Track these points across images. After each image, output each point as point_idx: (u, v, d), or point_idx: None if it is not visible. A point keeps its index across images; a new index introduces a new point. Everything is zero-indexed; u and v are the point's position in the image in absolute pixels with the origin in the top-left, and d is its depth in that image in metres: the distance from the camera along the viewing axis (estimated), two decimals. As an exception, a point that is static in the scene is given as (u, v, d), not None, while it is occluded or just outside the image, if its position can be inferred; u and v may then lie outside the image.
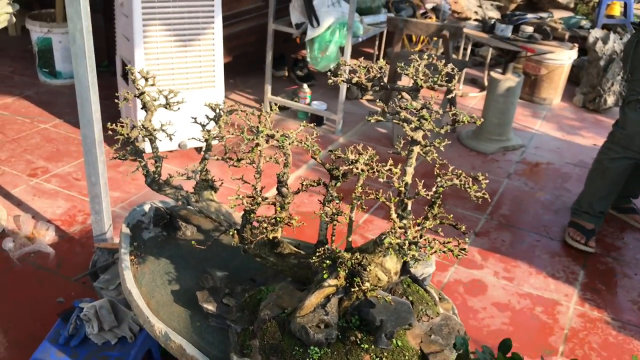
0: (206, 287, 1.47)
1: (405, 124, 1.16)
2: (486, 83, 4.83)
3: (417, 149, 1.19)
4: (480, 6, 4.83)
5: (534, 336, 2.47)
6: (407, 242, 1.07)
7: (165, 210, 1.76)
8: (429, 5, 4.81)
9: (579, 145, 4.31)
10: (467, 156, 3.99)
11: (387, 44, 4.82)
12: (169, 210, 1.77)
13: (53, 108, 4.14)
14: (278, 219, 1.21)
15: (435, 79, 1.17)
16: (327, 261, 1.14)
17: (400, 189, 1.14)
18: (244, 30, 4.18)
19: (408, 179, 1.18)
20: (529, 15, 4.07)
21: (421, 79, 1.17)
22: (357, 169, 1.11)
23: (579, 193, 3.32)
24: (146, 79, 1.51)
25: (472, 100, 4.90)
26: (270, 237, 1.22)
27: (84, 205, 3.08)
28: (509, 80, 3.96)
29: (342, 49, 3.90)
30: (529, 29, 3.85)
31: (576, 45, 4.50)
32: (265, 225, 1.23)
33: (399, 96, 1.28)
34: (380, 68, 1.27)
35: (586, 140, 4.41)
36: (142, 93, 1.50)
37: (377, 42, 4.75)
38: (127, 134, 1.47)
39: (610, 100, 4.80)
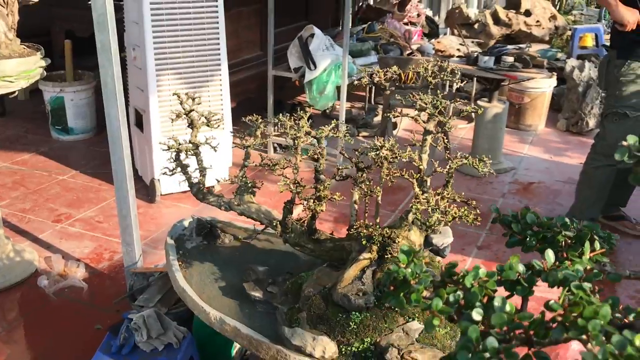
0: (251, 279, 1.67)
1: (418, 117, 1.40)
2: (473, 115, 5.13)
3: (429, 138, 1.42)
4: (461, 44, 5.18)
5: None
6: (430, 208, 1.28)
7: (205, 222, 1.97)
8: (414, 46, 5.15)
9: (567, 165, 4.57)
10: (462, 180, 4.23)
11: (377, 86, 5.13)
12: (209, 222, 1.98)
13: (68, 161, 4.36)
14: (322, 195, 1.42)
15: (442, 76, 1.41)
16: (363, 234, 1.34)
17: (420, 166, 1.36)
18: (246, 78, 4.47)
19: (424, 163, 1.40)
20: (509, 47, 4.41)
21: (430, 76, 1.42)
22: (383, 153, 1.34)
23: (570, 206, 3.59)
24: (193, 100, 1.74)
25: (461, 131, 5.19)
26: (318, 209, 1.43)
27: (109, 244, 3.27)
28: (496, 107, 4.25)
29: (338, 89, 4.19)
30: (510, 59, 4.16)
31: (554, 73, 4.83)
32: (311, 202, 1.44)
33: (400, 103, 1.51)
34: (395, 71, 1.52)
35: (573, 160, 4.68)
36: (191, 111, 1.73)
37: (367, 87, 5.07)
38: (177, 148, 1.69)
39: (592, 122, 5.10)
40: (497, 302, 0.59)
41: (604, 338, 0.54)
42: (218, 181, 3.71)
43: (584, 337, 0.54)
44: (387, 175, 1.36)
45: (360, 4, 5.75)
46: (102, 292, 2.85)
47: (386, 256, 1.38)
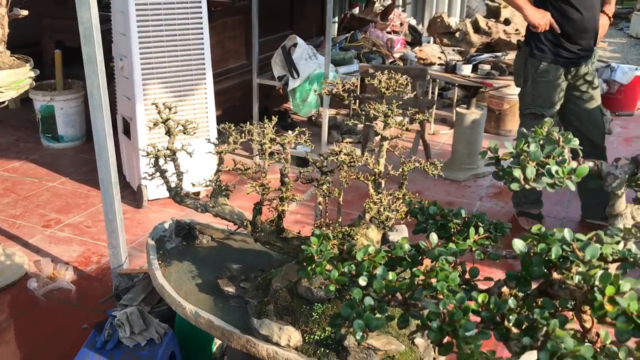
0: (225, 276, 1.79)
1: (375, 124, 1.52)
2: (453, 121, 5.27)
3: (386, 143, 1.54)
4: (442, 52, 5.33)
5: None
6: (382, 207, 1.41)
7: (184, 223, 2.09)
8: (397, 55, 5.30)
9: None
10: (441, 184, 4.36)
11: (361, 92, 5.27)
12: (187, 224, 2.10)
13: (58, 168, 4.47)
14: (284, 196, 1.54)
15: (395, 87, 1.54)
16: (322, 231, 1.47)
17: (375, 170, 1.49)
18: (231, 86, 4.60)
19: (381, 167, 1.53)
20: (485, 55, 4.55)
21: (383, 87, 1.54)
22: (340, 158, 1.47)
23: (548, 208, 3.79)
24: (169, 109, 1.86)
25: (443, 137, 5.33)
26: (280, 209, 1.55)
27: (97, 248, 3.38)
28: (474, 113, 4.39)
29: (321, 97, 4.32)
30: (487, 67, 4.31)
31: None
32: (276, 203, 1.56)
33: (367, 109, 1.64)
34: (353, 84, 1.65)
35: (549, 164, 4.83)
36: (168, 119, 1.85)
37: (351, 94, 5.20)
38: (156, 154, 1.81)
39: (569, 127, 5.26)
40: (379, 271, 0.72)
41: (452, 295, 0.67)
42: (206, 185, 3.85)
43: (438, 295, 0.67)
44: (344, 177, 1.48)
45: (345, 13, 5.90)
46: (89, 294, 2.96)
47: (344, 249, 1.50)
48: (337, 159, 1.47)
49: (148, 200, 3.90)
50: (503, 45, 5.56)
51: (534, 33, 3.38)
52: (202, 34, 3.72)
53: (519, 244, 0.75)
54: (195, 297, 1.78)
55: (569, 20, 3.30)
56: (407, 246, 0.79)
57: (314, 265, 0.78)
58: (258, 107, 4.56)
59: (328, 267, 0.77)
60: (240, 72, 4.73)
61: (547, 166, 0.83)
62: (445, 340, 0.65)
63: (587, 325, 0.73)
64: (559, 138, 0.89)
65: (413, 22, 6.35)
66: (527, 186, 0.88)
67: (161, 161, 1.88)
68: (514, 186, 0.87)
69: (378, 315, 0.69)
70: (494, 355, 0.64)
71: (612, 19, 3.59)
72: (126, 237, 3.52)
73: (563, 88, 3.46)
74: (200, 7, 3.67)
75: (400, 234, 1.59)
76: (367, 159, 1.46)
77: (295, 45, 4.24)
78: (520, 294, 0.67)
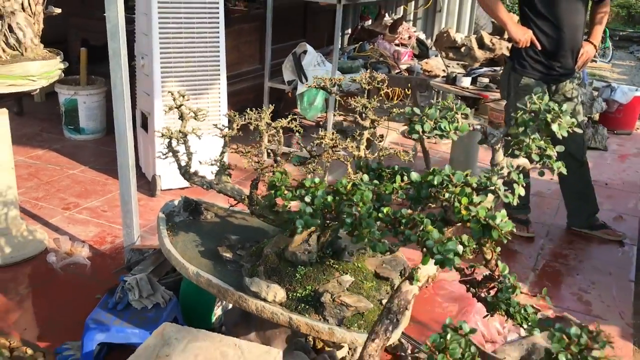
0: (224, 244, 2.05)
1: (358, 116, 1.78)
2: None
3: (366, 132, 1.80)
4: (447, 65, 5.58)
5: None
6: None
7: (191, 200, 2.35)
8: (403, 66, 5.56)
9: (537, 180, 4.92)
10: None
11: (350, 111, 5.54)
12: (194, 201, 2.37)
13: (79, 158, 4.77)
14: (276, 170, 1.81)
15: (373, 82, 1.80)
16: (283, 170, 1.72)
17: (355, 153, 1.74)
18: (244, 88, 4.88)
19: (361, 152, 1.78)
20: (485, 69, 4.80)
21: (364, 83, 1.80)
22: (325, 142, 1.72)
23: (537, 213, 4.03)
24: (183, 96, 2.13)
25: (444, 146, 5.56)
26: (269, 180, 1.81)
27: (112, 230, 3.65)
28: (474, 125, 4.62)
29: (327, 101, 4.58)
30: (485, 80, 4.56)
31: (531, 95, 5.22)
32: (268, 174, 1.82)
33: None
34: (339, 79, 1.91)
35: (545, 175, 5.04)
36: (181, 105, 2.12)
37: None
38: (170, 136, 2.08)
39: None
40: (319, 194, 0.97)
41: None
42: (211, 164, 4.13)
43: (355, 205, 0.91)
44: (327, 159, 1.74)
45: (356, 25, 6.18)
46: (103, 269, 3.23)
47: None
48: (323, 143, 1.72)
49: (161, 190, 4.18)
50: (505, 61, 5.79)
51: (517, 49, 3.61)
52: (218, 37, 4.01)
53: (414, 175, 0.99)
54: (197, 261, 2.04)
55: (550, 38, 3.53)
56: (345, 181, 1.04)
57: (276, 190, 1.03)
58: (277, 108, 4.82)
59: (286, 192, 1.02)
60: (254, 75, 5.01)
61: (439, 123, 1.08)
62: (355, 232, 0.90)
63: (488, 257, 0.97)
64: (454, 106, 1.14)
65: (422, 36, 6.61)
66: (425, 137, 1.13)
67: (174, 143, 2.15)
68: (415, 136, 1.12)
69: (313, 220, 0.94)
70: (396, 247, 0.89)
71: (597, 48, 3.81)
72: (139, 222, 3.79)
73: None
74: (218, 12, 3.96)
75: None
76: (347, 144, 1.72)
77: (305, 52, 4.51)
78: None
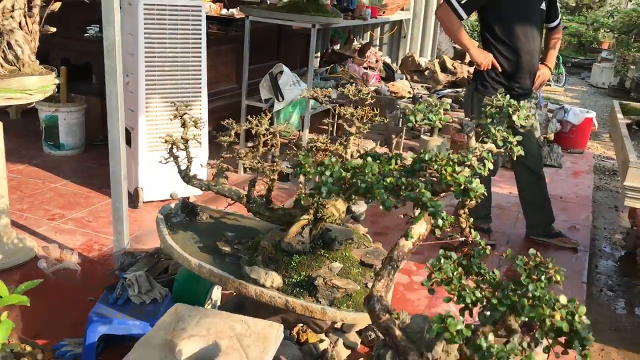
0: (222, 240, 2.26)
1: (345, 123, 2.03)
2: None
3: (352, 138, 2.05)
4: (412, 87, 5.93)
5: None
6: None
7: (188, 202, 2.56)
8: (371, 87, 5.88)
9: (498, 194, 5.28)
10: (408, 204, 4.89)
11: (338, 118, 5.83)
12: (191, 203, 2.58)
13: (59, 172, 4.90)
14: (275, 168, 2.04)
15: (359, 94, 2.06)
16: (304, 200, 1.96)
17: (344, 155, 1.99)
18: (222, 106, 5.10)
19: (348, 155, 2.03)
20: (447, 90, 5.16)
21: (352, 95, 2.06)
22: (317, 145, 1.97)
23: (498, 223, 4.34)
24: (186, 106, 2.35)
25: (411, 163, 5.89)
26: (271, 177, 2.04)
27: (99, 238, 3.81)
28: (436, 140, 4.96)
29: (302, 118, 4.85)
30: (448, 100, 4.90)
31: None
32: (267, 171, 2.05)
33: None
34: (329, 91, 2.17)
35: (503, 190, 5.40)
36: (185, 114, 2.34)
37: (330, 116, 5.76)
38: (173, 142, 2.29)
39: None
40: (336, 168, 1.21)
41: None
42: (171, 196, 4.31)
43: (366, 177, 1.17)
44: (319, 159, 1.99)
45: (326, 49, 6.49)
46: (93, 274, 3.38)
47: (318, 216, 2.00)
48: (314, 145, 1.97)
49: (144, 201, 4.35)
50: (466, 83, 6.18)
51: (479, 71, 3.96)
52: (200, 57, 4.24)
53: (409, 155, 1.24)
54: (198, 255, 2.25)
55: (509, 62, 3.89)
56: (354, 162, 1.29)
57: (301, 167, 1.26)
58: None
59: (310, 169, 1.25)
60: (231, 94, 5.25)
61: (427, 115, 1.35)
62: (368, 194, 1.14)
63: (463, 226, 1.22)
64: (437, 103, 1.42)
65: (388, 60, 6.97)
66: (417, 125, 1.39)
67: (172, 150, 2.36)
68: (409, 124, 1.39)
69: (333, 187, 1.17)
70: (400, 204, 1.13)
71: (552, 71, 4.20)
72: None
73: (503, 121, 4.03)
74: (200, 33, 4.20)
75: (360, 207, 2.10)
76: (336, 147, 1.97)
77: (281, 72, 4.78)
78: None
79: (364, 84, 5.72)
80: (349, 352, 2.76)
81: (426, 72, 6.22)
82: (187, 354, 1.65)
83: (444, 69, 6.14)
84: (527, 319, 0.91)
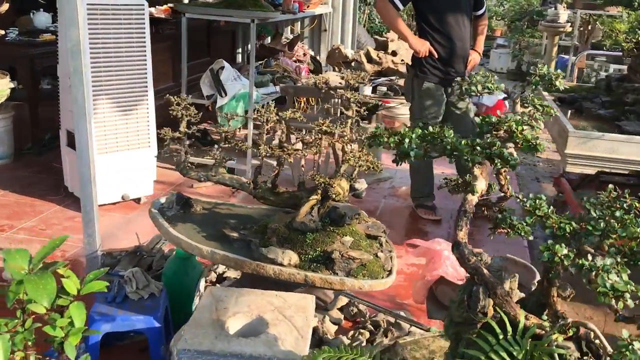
0: (228, 227, 2.35)
1: (343, 107, 2.19)
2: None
3: (349, 121, 2.21)
4: (342, 78, 6.16)
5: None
6: (354, 161, 2.07)
7: (183, 195, 2.61)
8: (304, 80, 6.04)
9: (437, 175, 5.62)
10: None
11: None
12: (186, 196, 2.62)
13: (-6, 183, 4.68)
14: (287, 151, 2.15)
15: (357, 77, 2.23)
16: (317, 179, 2.10)
17: (345, 134, 2.15)
18: (162, 105, 5.05)
19: (348, 133, 2.19)
20: (382, 79, 5.42)
21: (351, 79, 2.22)
22: (323, 128, 2.11)
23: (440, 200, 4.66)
24: (185, 100, 2.40)
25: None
26: (284, 161, 2.16)
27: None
28: (373, 128, 5.20)
29: (246, 113, 4.93)
30: (383, 88, 5.16)
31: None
32: (281, 153, 2.16)
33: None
34: (327, 79, 2.30)
35: (437, 170, 5.74)
36: (184, 107, 2.39)
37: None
38: (171, 137, 2.34)
39: (449, 141, 6.25)
40: (414, 136, 1.37)
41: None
42: (123, 198, 4.30)
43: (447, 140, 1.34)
44: (327, 141, 2.13)
45: (255, 44, 6.57)
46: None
47: (328, 195, 2.14)
48: (320, 129, 2.11)
49: (99, 205, 4.26)
50: (392, 72, 6.48)
51: (418, 58, 4.23)
52: (145, 54, 4.22)
53: (478, 120, 1.42)
54: (206, 243, 2.32)
55: (444, 48, 4.19)
56: (430, 129, 1.43)
57: (377, 137, 1.41)
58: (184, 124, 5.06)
59: (385, 138, 1.39)
60: (169, 92, 5.19)
61: (487, 84, 1.56)
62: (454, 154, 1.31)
63: (502, 182, 1.42)
64: (489, 75, 1.62)
65: (311, 53, 7.15)
66: (477, 93, 1.57)
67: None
68: (472, 94, 1.57)
69: (418, 151, 1.34)
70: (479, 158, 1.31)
71: (482, 55, 4.56)
72: (81, 237, 3.88)
73: (442, 103, 4.33)
74: (144, 33, 4.17)
75: (361, 184, 2.27)
76: (342, 130, 2.13)
77: (222, 68, 4.83)
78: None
79: (298, 77, 5.87)
80: (336, 327, 2.93)
81: (353, 63, 6.46)
82: (235, 329, 1.75)
83: (369, 59, 6.40)
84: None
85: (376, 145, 1.46)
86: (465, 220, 1.31)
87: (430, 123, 4.37)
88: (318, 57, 7.25)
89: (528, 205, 1.21)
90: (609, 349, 1.14)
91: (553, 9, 8.45)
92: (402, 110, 5.94)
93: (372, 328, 2.89)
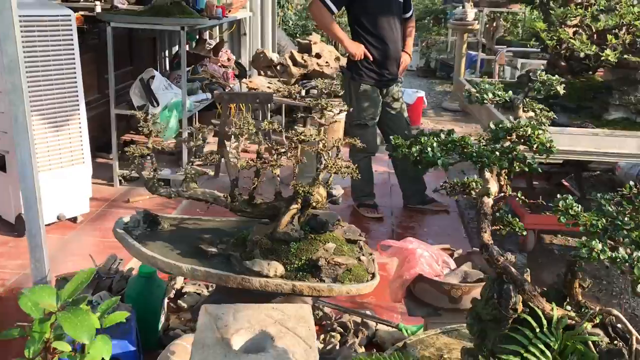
0: (205, 242, 2.30)
1: (315, 116, 2.21)
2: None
3: (323, 117, 2.25)
4: (270, 82, 6.16)
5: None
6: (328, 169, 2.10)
7: (150, 213, 2.52)
8: (231, 85, 5.99)
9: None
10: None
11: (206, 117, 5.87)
12: (153, 214, 2.54)
13: None
14: (277, 162, 2.15)
15: (330, 87, 2.26)
16: (299, 189, 2.11)
17: (321, 151, 2.18)
18: (90, 117, 4.85)
19: (321, 145, 2.22)
20: (313, 82, 5.47)
21: (323, 88, 2.25)
22: (300, 137, 2.13)
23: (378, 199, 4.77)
24: (146, 114, 2.33)
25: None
26: (275, 173, 2.14)
27: (-5, 274, 3.49)
28: (308, 130, 5.24)
29: (180, 122, 4.83)
30: (316, 91, 5.21)
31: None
32: (271, 162, 2.15)
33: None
34: (300, 89, 2.31)
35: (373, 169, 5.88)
36: (153, 122, 2.32)
37: (216, 115, 5.75)
38: (139, 154, 2.26)
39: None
40: (434, 143, 1.43)
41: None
42: (59, 218, 4.12)
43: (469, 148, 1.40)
44: (296, 154, 2.16)
45: (177, 50, 6.43)
46: (7, 311, 3.12)
47: (309, 203, 2.16)
48: (298, 138, 2.12)
49: (30, 228, 4.02)
50: (317, 75, 6.55)
51: (353, 61, 4.32)
52: (74, 67, 4.03)
53: (492, 124, 1.50)
54: (183, 260, 2.27)
55: (379, 51, 4.30)
56: (452, 137, 1.48)
57: (399, 148, 1.45)
58: (111, 137, 4.87)
59: (406, 149, 1.44)
60: (96, 104, 5.02)
61: (496, 92, 1.64)
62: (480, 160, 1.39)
63: (502, 183, 1.51)
64: (496, 83, 1.69)
65: (233, 57, 7.09)
66: (490, 101, 1.65)
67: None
68: (484, 102, 1.64)
69: (445, 159, 1.39)
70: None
71: (411, 56, 4.71)
72: (19, 263, 3.66)
73: (379, 104, 4.45)
74: (72, 44, 3.99)
75: (337, 190, 2.30)
76: (319, 139, 2.15)
77: (152, 77, 4.71)
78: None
79: (226, 83, 5.81)
80: (305, 332, 2.95)
81: (278, 67, 6.48)
82: (239, 345, 1.74)
83: (295, 62, 6.44)
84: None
85: (396, 155, 1.49)
86: (487, 223, 1.38)
87: (369, 124, 4.55)
88: (240, 61, 7.20)
89: (560, 206, 1.29)
90: (634, 331, 1.25)
91: (461, 7, 8.85)
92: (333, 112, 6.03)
93: (342, 330, 2.94)
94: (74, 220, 4.30)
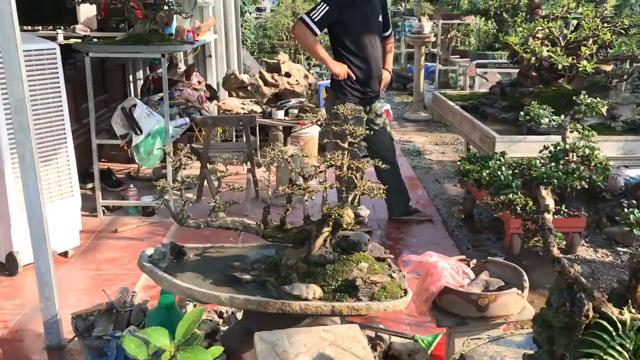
0: (237, 269, 2.35)
1: (339, 141, 2.31)
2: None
3: (346, 153, 2.33)
4: (243, 103, 6.21)
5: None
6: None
7: (176, 244, 2.54)
8: (206, 108, 6.00)
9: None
10: (273, 210, 5.18)
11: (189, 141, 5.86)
12: (179, 245, 2.56)
13: None
14: (307, 190, 2.21)
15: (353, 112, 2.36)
16: (332, 212, 2.18)
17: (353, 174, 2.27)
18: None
19: (345, 168, 2.31)
20: (293, 101, 5.56)
21: (347, 113, 2.34)
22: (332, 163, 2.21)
23: (364, 213, 4.86)
24: (182, 152, 2.36)
25: (265, 174, 6.15)
26: (312, 198, 2.21)
27: (-4, 315, 3.41)
28: (290, 149, 5.31)
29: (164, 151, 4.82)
30: (295, 111, 5.30)
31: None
32: (306, 193, 2.21)
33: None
34: (325, 117, 2.40)
35: (348, 183, 6.00)
36: (182, 156, 2.35)
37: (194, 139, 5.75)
38: (164, 188, 2.29)
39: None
40: (504, 168, 1.54)
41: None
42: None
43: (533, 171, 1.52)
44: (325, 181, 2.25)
45: (148, 75, 6.40)
46: (19, 352, 3.06)
47: (339, 225, 2.24)
48: (332, 164, 2.22)
49: (23, 266, 3.95)
50: (289, 94, 6.65)
51: (337, 80, 4.44)
52: (60, 100, 4.00)
53: (550, 148, 1.62)
54: (219, 290, 2.31)
55: (361, 70, 4.43)
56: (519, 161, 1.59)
57: (469, 174, 1.56)
58: (87, 166, 4.82)
59: (476, 174, 1.55)
60: (75, 135, 4.94)
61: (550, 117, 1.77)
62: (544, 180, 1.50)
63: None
64: (546, 107, 1.82)
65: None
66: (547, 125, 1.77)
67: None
68: (541, 126, 1.76)
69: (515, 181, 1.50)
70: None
71: (391, 73, 4.86)
72: (17, 303, 3.59)
73: (363, 121, 4.57)
74: (58, 77, 3.96)
75: (363, 211, 2.39)
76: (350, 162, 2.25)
77: (134, 105, 4.69)
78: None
79: (202, 106, 5.83)
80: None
81: (249, 87, 6.53)
82: (302, 371, 1.80)
83: (265, 82, 6.51)
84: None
85: (467, 178, 1.59)
86: (553, 237, 1.49)
87: (356, 142, 4.67)
88: (209, 84, 7.22)
89: (631, 219, 1.42)
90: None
91: (417, 21, 9.12)
92: (307, 129, 6.12)
93: (359, 345, 3.02)
94: (64, 254, 4.23)
